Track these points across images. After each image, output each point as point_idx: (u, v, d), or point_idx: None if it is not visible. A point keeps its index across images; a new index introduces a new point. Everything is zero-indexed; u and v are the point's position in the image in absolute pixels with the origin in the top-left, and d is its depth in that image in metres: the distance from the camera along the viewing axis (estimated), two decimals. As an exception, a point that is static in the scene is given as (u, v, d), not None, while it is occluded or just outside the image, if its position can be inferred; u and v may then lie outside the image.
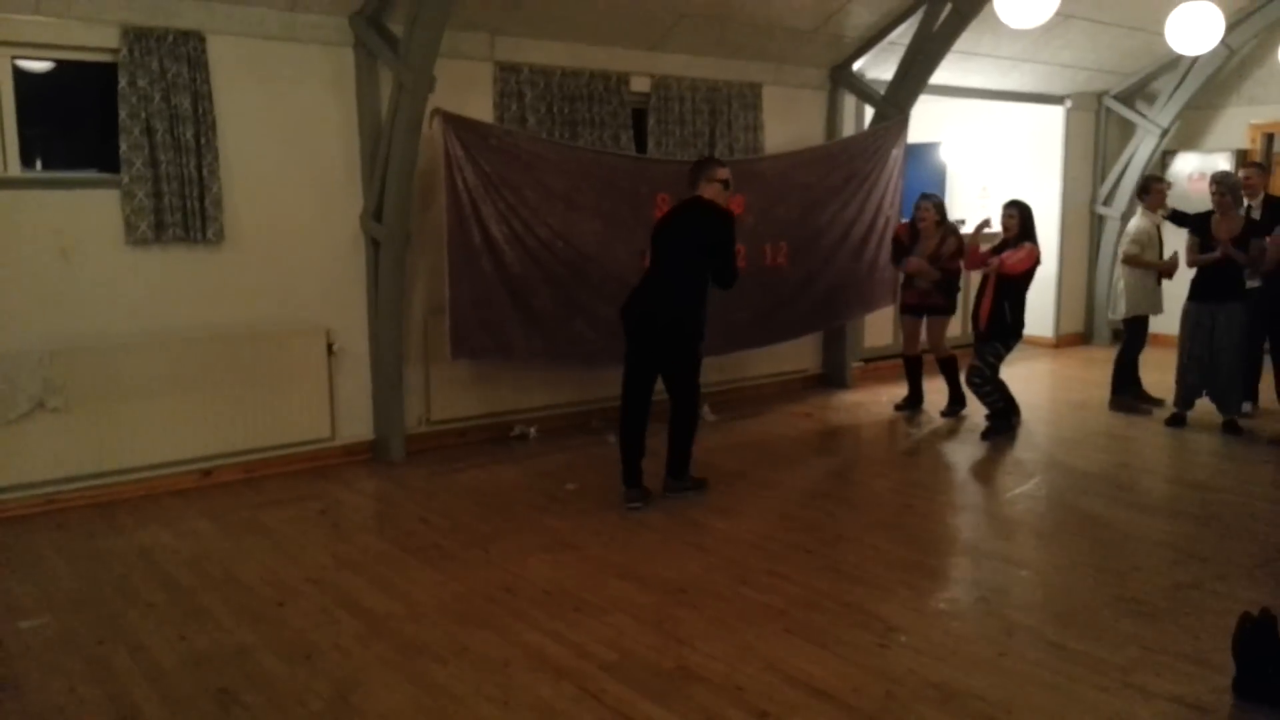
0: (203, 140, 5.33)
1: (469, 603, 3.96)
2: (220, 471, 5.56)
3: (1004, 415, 6.72)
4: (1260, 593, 3.97)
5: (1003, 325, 6.56)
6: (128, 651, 3.55)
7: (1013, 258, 6.47)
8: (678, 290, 5.08)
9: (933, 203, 7.16)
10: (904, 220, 7.59)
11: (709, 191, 5.16)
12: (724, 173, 5.24)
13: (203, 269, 5.47)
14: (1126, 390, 7.48)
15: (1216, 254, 6.41)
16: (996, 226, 6.74)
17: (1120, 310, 7.32)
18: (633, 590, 4.07)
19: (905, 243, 7.25)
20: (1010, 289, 6.51)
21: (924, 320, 7.29)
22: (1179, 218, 7.20)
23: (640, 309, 5.14)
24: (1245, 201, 6.80)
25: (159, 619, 3.82)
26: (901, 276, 7.39)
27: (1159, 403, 7.32)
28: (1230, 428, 6.65)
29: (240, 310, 5.59)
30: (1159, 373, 7.52)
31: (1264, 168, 7.04)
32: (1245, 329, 6.58)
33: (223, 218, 5.44)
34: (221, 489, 5.46)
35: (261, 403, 5.60)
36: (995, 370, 6.66)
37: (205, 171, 5.35)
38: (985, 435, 6.63)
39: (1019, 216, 6.56)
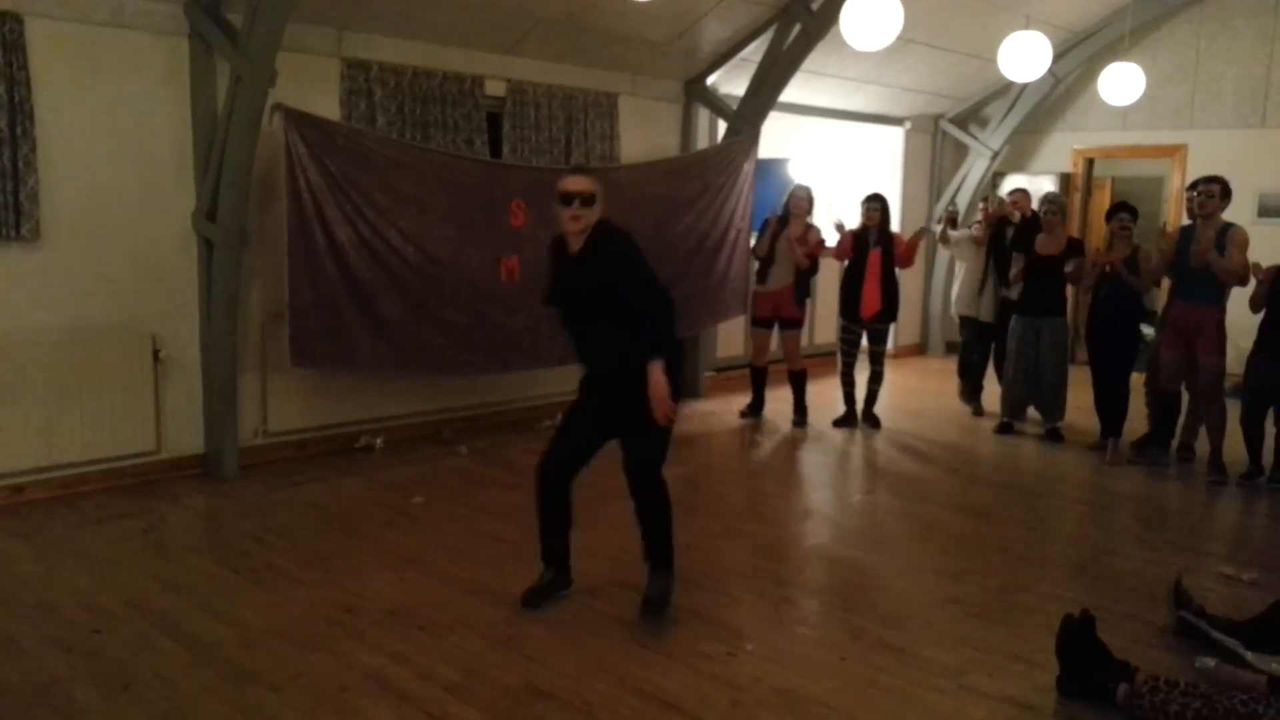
0: (19, 130, 4.94)
1: (305, 625, 3.77)
2: (33, 489, 5.15)
3: None
4: (1081, 593, 4.20)
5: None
6: (-83, 689, 3.23)
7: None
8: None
9: (805, 193, 7.41)
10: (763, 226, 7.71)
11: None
12: (571, 183, 3.70)
13: (16, 268, 5.05)
14: (974, 393, 8.11)
15: (1019, 268, 6.99)
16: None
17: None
18: (481, 607, 3.97)
19: (775, 229, 7.36)
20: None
21: (774, 332, 7.46)
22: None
23: None
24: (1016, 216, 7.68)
25: (-44, 651, 3.50)
26: (753, 288, 7.53)
27: (973, 411, 7.98)
28: (1053, 435, 7.06)
29: (57, 313, 5.19)
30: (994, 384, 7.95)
31: (1026, 192, 7.84)
32: (1065, 342, 7.03)
33: (39, 213, 5.05)
34: (34, 507, 5.06)
35: (79, 414, 5.22)
36: None
37: (21, 164, 4.96)
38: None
39: (883, 209, 7.16)
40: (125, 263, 5.40)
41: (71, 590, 4.06)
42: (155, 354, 5.48)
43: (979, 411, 7.90)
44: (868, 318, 7.19)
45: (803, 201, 7.31)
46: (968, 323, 7.99)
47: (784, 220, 7.35)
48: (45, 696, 3.20)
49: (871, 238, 7.11)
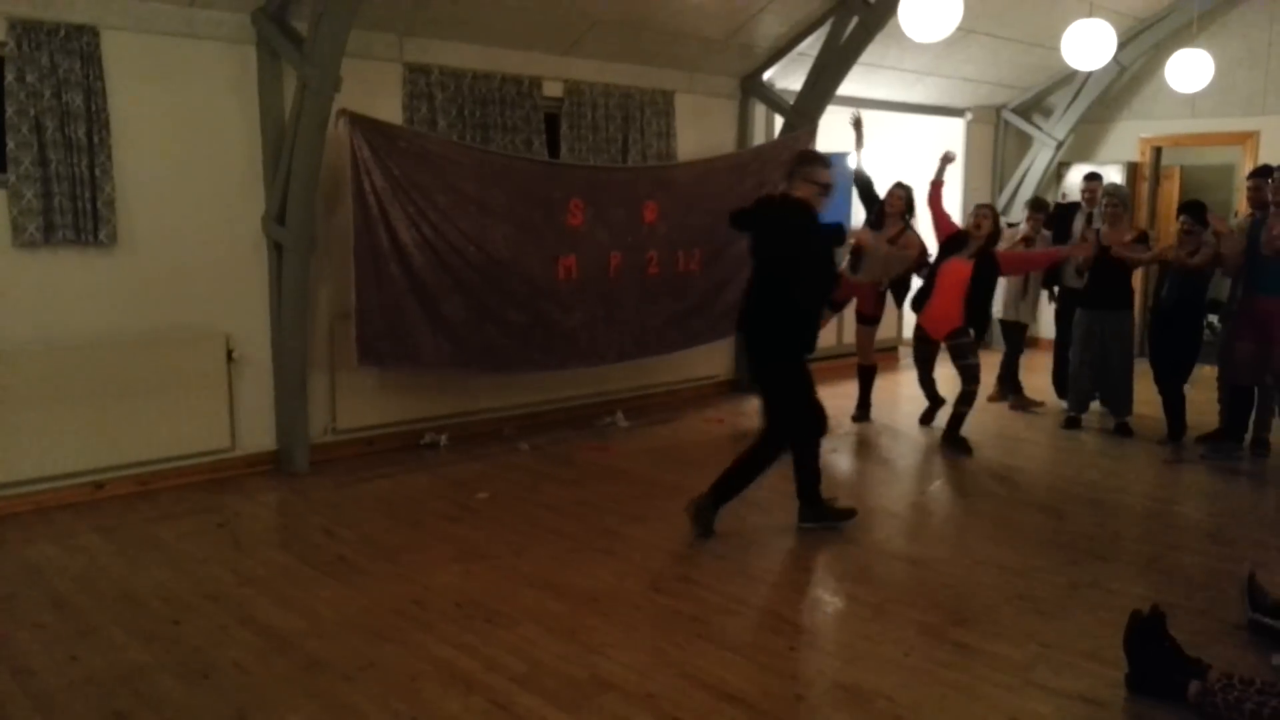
0: (95, 139, 5.12)
1: (376, 616, 3.86)
2: (113, 484, 5.33)
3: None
4: (1151, 589, 4.13)
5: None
6: (11, 674, 3.37)
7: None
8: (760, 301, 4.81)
9: (905, 194, 7.11)
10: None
11: (803, 191, 4.84)
12: (824, 175, 4.84)
13: (95, 273, 5.24)
14: (1015, 391, 7.94)
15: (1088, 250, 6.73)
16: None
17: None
18: (545, 599, 4.03)
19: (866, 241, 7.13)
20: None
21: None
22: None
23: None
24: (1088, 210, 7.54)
25: (48, 640, 3.64)
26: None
27: (1040, 405, 7.78)
28: (1122, 430, 6.92)
29: (135, 315, 5.37)
30: (1037, 375, 7.96)
31: (1099, 176, 7.72)
32: (1131, 335, 6.90)
33: (116, 219, 5.23)
34: (114, 502, 5.24)
35: (157, 412, 5.39)
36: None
37: (98, 171, 5.14)
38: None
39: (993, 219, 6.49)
40: (199, 266, 5.56)
41: (152, 582, 4.20)
42: (229, 354, 5.64)
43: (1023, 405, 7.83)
44: (936, 337, 6.68)
45: (900, 200, 7.06)
46: (1009, 327, 7.88)
47: (878, 223, 7.13)
48: (130, 684, 3.32)
49: (968, 248, 6.43)
